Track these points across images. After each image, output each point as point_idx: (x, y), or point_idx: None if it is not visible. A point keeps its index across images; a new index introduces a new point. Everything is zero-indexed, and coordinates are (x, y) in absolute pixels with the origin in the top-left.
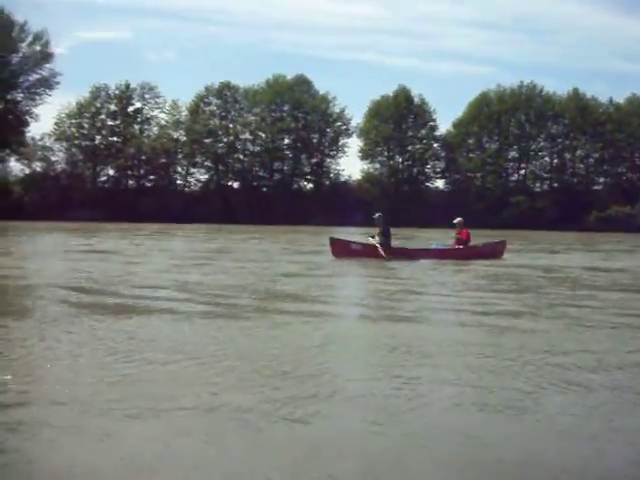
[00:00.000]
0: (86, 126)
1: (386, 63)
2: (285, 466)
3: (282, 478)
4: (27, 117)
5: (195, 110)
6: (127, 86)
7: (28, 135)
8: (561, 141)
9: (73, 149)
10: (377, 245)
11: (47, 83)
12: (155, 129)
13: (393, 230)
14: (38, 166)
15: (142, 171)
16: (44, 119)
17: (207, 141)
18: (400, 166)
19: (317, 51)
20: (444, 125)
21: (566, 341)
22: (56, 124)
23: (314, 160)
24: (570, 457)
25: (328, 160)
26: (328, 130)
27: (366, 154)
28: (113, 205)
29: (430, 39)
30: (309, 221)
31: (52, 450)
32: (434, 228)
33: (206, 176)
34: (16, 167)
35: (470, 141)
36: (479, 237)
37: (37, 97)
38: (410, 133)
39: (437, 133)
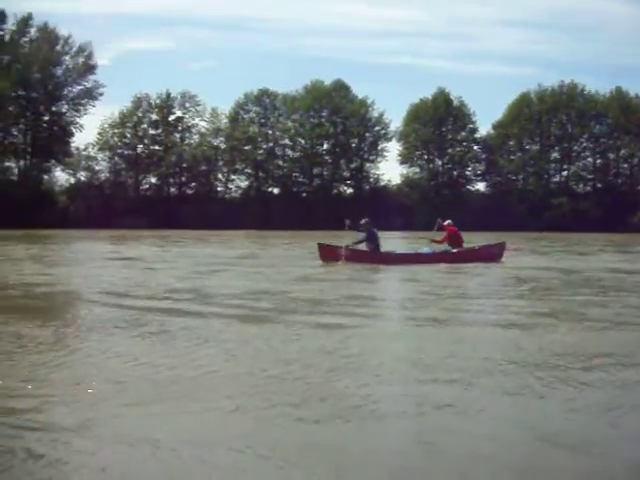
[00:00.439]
0: (128, 135)
1: (424, 66)
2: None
3: None
4: (71, 128)
5: (235, 117)
6: (168, 95)
7: (73, 145)
8: (604, 141)
9: (116, 158)
10: (363, 250)
11: (91, 94)
12: (196, 137)
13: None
14: (82, 175)
15: (183, 179)
16: (88, 129)
17: (247, 148)
18: (440, 169)
19: (355, 55)
20: (484, 127)
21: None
22: (99, 134)
23: (353, 165)
24: None
25: (367, 165)
26: (367, 135)
27: (405, 158)
28: (155, 213)
29: (468, 41)
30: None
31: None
32: (476, 232)
33: (246, 183)
34: (61, 177)
35: (510, 143)
36: (504, 240)
37: (81, 108)
38: (450, 136)
39: (477, 135)
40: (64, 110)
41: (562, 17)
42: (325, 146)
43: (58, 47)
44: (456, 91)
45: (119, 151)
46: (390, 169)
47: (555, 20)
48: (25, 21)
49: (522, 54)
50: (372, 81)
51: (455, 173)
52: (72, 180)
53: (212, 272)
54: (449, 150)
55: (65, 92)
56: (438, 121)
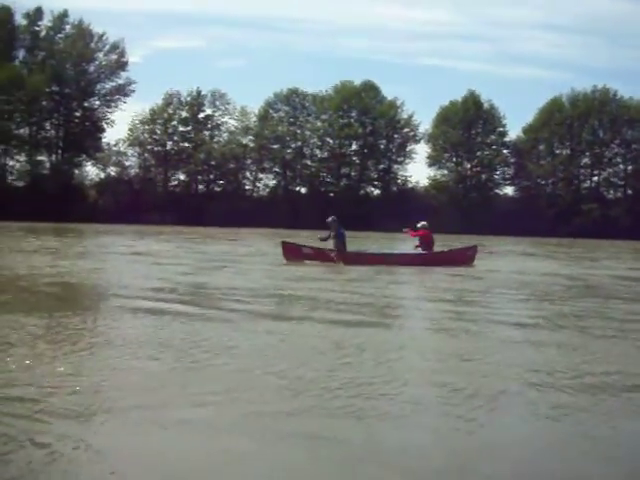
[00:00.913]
0: (158, 132)
1: (455, 68)
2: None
3: None
4: (103, 123)
5: (264, 116)
6: (198, 93)
7: (103, 141)
8: (636, 147)
9: (146, 154)
10: (328, 249)
11: (122, 90)
12: (225, 135)
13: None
14: (112, 171)
15: (212, 176)
16: (119, 125)
17: (275, 147)
18: (468, 172)
19: (385, 57)
20: (514, 131)
21: None
22: (130, 130)
23: (381, 166)
24: None
25: (395, 166)
26: (396, 136)
27: (434, 160)
28: (183, 209)
29: (500, 43)
30: (375, 227)
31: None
32: (503, 236)
33: (274, 181)
34: (92, 172)
35: (541, 147)
36: (509, 244)
37: (112, 104)
38: (479, 139)
39: (506, 139)
40: (96, 106)
41: (596, 22)
42: (353, 146)
43: (92, 44)
44: (486, 94)
45: (149, 147)
46: (418, 171)
47: (589, 25)
48: (61, 18)
49: (554, 58)
50: (402, 82)
51: (483, 176)
52: (102, 175)
53: (213, 269)
54: (478, 153)
55: (97, 88)
56: (468, 124)
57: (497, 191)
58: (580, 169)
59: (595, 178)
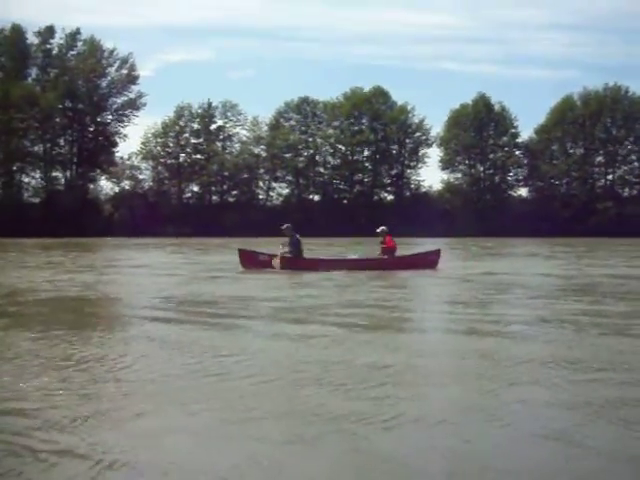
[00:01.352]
0: (171, 145)
1: (465, 71)
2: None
3: None
4: (116, 138)
5: (275, 125)
6: (209, 105)
7: (117, 155)
8: None
9: (159, 167)
10: (276, 255)
11: (134, 104)
12: (237, 145)
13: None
14: (127, 184)
15: (225, 187)
16: (132, 139)
17: (287, 155)
18: (481, 175)
19: (394, 62)
20: (526, 132)
21: None
22: (143, 143)
23: (394, 171)
24: None
25: (408, 171)
26: (407, 141)
27: (446, 164)
28: (198, 220)
29: (509, 45)
30: (390, 232)
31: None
32: (518, 238)
33: (287, 190)
34: (106, 186)
35: (553, 147)
36: (511, 247)
37: (125, 118)
38: (491, 141)
39: (519, 140)
40: (109, 120)
41: (604, 19)
42: (365, 153)
43: (103, 60)
44: (497, 96)
45: (162, 160)
46: (431, 175)
47: (597, 23)
48: (73, 35)
49: (564, 57)
50: (412, 87)
51: (497, 178)
52: (117, 189)
53: (207, 279)
54: (490, 155)
55: (109, 103)
56: (479, 126)
57: (511, 193)
58: (594, 168)
59: (610, 176)
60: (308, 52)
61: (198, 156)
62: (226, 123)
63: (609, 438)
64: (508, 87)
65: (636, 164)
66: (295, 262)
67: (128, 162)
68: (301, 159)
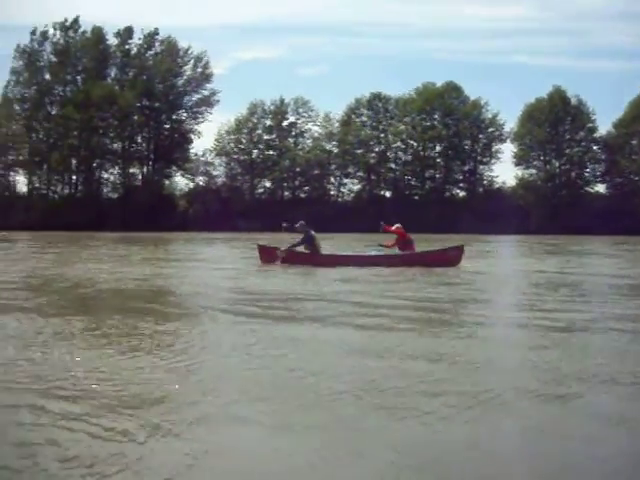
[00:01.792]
0: (244, 141)
1: (540, 65)
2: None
3: None
4: (190, 135)
5: (347, 122)
6: (282, 101)
7: (191, 151)
8: None
9: (232, 163)
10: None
11: (208, 102)
12: (309, 141)
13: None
14: (201, 180)
15: (297, 182)
16: (206, 136)
17: (359, 151)
18: (557, 171)
19: (467, 56)
20: (604, 126)
21: None
22: (217, 140)
23: (466, 167)
24: None
25: (481, 167)
26: (480, 136)
27: (521, 159)
28: (269, 216)
29: (585, 36)
30: (460, 229)
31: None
32: (596, 235)
33: (358, 186)
34: (181, 182)
35: (633, 142)
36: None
37: (199, 115)
38: (567, 136)
39: (596, 135)
40: (183, 118)
41: None
42: (437, 148)
43: (178, 59)
44: (573, 89)
45: (235, 156)
46: (505, 171)
47: None
48: (151, 35)
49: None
50: (485, 82)
51: (573, 174)
52: (191, 185)
53: (255, 272)
54: (567, 151)
55: (185, 101)
56: (555, 121)
57: (588, 189)
58: None
59: None
60: (379, 47)
61: (270, 152)
62: (298, 119)
63: None
64: (585, 80)
65: None
66: (328, 259)
67: (202, 158)
68: (372, 155)
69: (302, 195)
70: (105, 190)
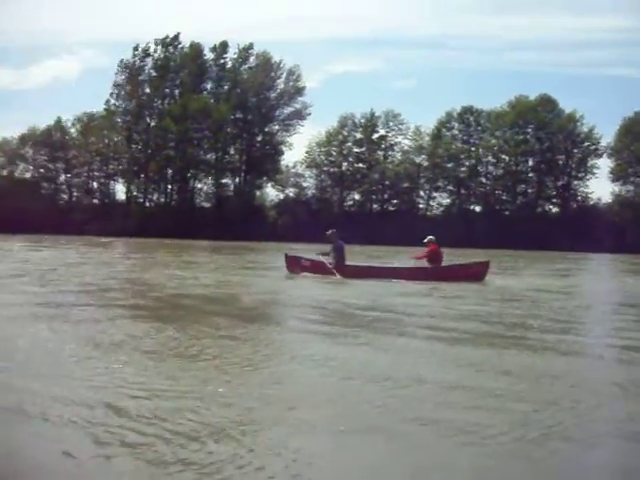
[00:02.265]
0: (334, 153)
1: (638, 77)
2: None
3: None
4: (282, 147)
5: (437, 135)
6: (372, 114)
7: (282, 163)
8: None
9: (322, 175)
10: (324, 261)
11: (300, 115)
12: (398, 155)
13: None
14: (291, 191)
15: (386, 195)
16: (297, 148)
17: (449, 165)
18: None
19: (562, 68)
20: None
21: None
22: (307, 152)
23: (560, 182)
24: None
25: (575, 182)
26: (575, 151)
27: (618, 175)
28: (358, 228)
29: None
30: (552, 246)
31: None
32: None
33: (448, 200)
34: (272, 193)
35: None
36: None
37: (291, 128)
38: None
39: None
40: (275, 130)
41: None
42: (530, 163)
43: (272, 72)
44: None
45: (325, 168)
46: (600, 187)
47: None
48: (246, 50)
49: None
50: (581, 95)
51: None
52: (281, 196)
53: (318, 283)
54: None
55: (277, 114)
56: None
57: None
58: None
59: None
60: (470, 60)
61: (360, 165)
62: (388, 132)
63: None
64: None
65: None
66: (354, 270)
67: (293, 170)
68: (463, 169)
69: (391, 208)
70: (198, 200)
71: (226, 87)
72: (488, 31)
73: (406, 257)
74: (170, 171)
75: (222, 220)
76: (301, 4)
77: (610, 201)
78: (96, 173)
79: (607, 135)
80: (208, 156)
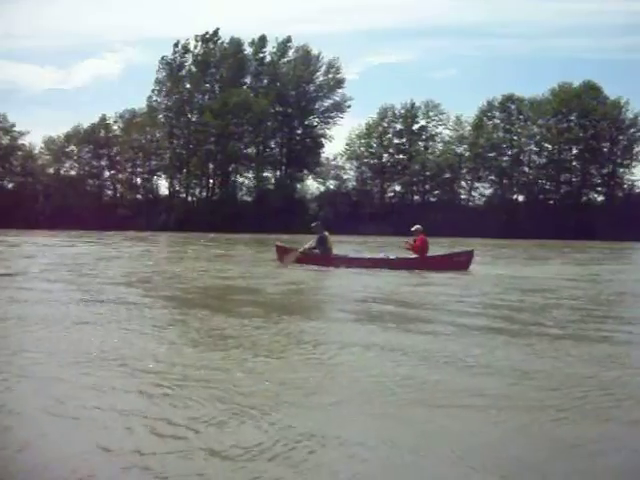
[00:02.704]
0: (374, 145)
1: None
2: None
3: None
4: (322, 139)
5: (478, 125)
6: (412, 105)
7: (323, 156)
8: None
9: (362, 167)
10: (312, 252)
11: (339, 107)
12: (439, 145)
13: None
14: (331, 184)
15: (427, 186)
16: (337, 140)
17: (491, 155)
18: None
19: (606, 54)
20: None
21: None
22: (347, 144)
23: (605, 170)
24: None
25: (621, 170)
26: (621, 138)
27: None
28: (399, 219)
29: None
30: (597, 236)
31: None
32: None
33: (490, 190)
34: (312, 185)
35: None
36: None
37: (330, 120)
38: None
39: None
40: (315, 123)
41: None
42: (574, 151)
43: (311, 65)
44: None
45: (365, 160)
46: None
47: None
48: (284, 43)
49: None
50: (627, 80)
51: None
52: (322, 188)
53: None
54: None
55: (316, 107)
56: None
57: None
58: None
59: None
60: (509, 48)
61: (400, 156)
62: (428, 123)
63: None
64: None
65: None
66: (339, 260)
67: (333, 162)
68: (505, 158)
69: (432, 199)
70: (240, 193)
71: (265, 81)
72: (528, 17)
73: (397, 248)
74: (212, 166)
75: (263, 213)
76: None
77: None
78: (139, 169)
79: None
80: (249, 150)
